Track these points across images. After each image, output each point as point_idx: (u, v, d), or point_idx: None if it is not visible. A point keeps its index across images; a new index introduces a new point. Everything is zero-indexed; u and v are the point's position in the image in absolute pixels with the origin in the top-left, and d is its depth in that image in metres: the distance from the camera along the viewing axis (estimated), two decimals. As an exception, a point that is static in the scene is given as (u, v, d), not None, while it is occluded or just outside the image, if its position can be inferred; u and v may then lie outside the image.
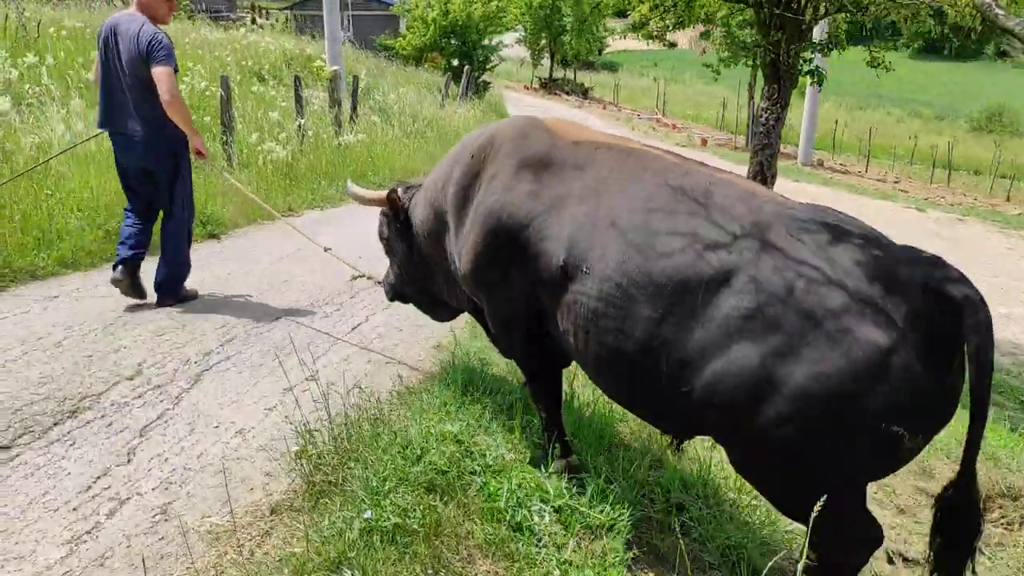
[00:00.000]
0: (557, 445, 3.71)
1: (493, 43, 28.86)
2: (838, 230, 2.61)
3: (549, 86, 47.69)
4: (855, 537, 2.72)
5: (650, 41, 10.86)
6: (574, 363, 3.78)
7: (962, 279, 2.42)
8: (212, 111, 12.96)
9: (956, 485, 2.59)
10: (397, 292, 4.59)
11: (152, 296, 5.97)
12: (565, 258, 3.05)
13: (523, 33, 46.84)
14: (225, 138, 11.08)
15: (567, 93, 46.62)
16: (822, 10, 7.95)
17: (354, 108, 15.91)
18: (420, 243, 4.06)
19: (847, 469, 2.54)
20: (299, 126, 13.18)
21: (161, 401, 4.51)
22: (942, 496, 2.65)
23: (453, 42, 27.44)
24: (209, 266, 7.22)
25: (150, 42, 5.28)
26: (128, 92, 5.45)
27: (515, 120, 3.71)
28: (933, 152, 33.32)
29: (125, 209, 5.96)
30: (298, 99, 13.60)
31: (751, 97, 26.91)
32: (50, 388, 4.51)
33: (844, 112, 49.11)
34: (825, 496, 2.37)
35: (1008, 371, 8.63)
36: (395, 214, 4.15)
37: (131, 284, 5.76)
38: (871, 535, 2.73)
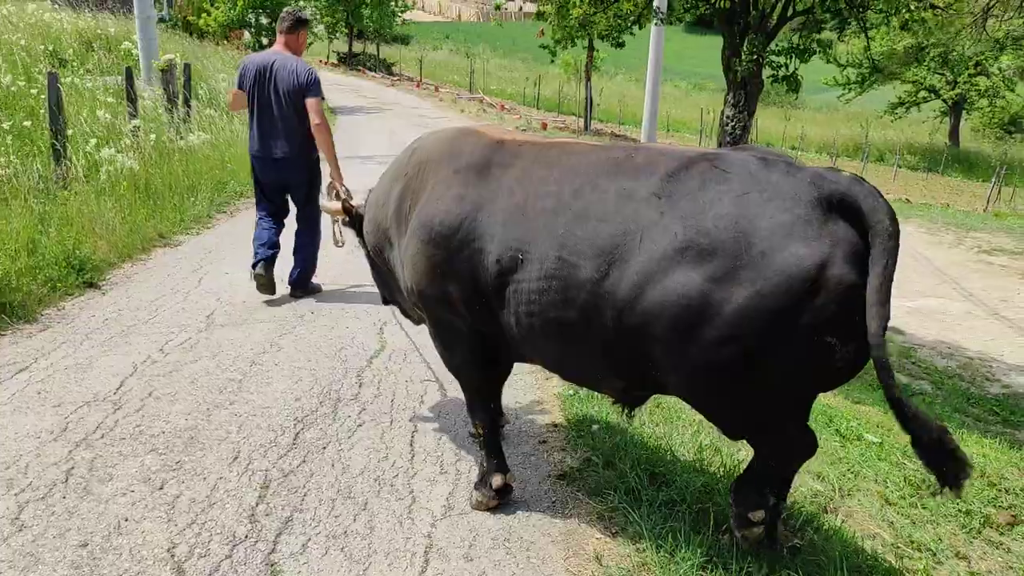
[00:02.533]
0: (495, 460, 3.70)
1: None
2: (760, 161, 2.76)
3: (350, 62, 45.67)
4: (793, 448, 2.99)
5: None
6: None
7: (873, 192, 2.60)
8: (28, 111, 10.78)
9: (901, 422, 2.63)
10: (381, 292, 4.65)
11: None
12: (500, 253, 3.14)
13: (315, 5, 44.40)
14: (57, 149, 9.03)
15: (370, 69, 44.83)
16: (788, 12, 7.41)
17: (188, 102, 13.90)
18: (372, 256, 4.19)
19: (789, 383, 2.75)
20: (134, 128, 11.19)
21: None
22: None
23: (263, 19, 25.14)
24: (113, 346, 5.61)
25: (308, 75, 6.26)
26: (281, 118, 6.32)
27: (444, 131, 3.83)
28: (702, 118, 34.56)
29: (258, 212, 6.83)
30: (131, 96, 11.57)
31: (588, 78, 26.64)
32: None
33: (634, 86, 50.79)
34: (769, 411, 2.83)
35: (958, 375, 8.62)
36: (353, 223, 4.49)
37: (268, 279, 6.55)
38: (807, 445, 2.99)
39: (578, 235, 2.91)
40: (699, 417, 4.34)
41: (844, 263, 2.52)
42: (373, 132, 20.61)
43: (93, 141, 9.89)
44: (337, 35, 46.27)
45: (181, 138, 12.24)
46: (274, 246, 6.66)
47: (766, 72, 7.59)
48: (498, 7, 37.16)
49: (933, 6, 6.47)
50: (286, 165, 6.50)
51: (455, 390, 4.94)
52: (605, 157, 3.09)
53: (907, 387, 8.10)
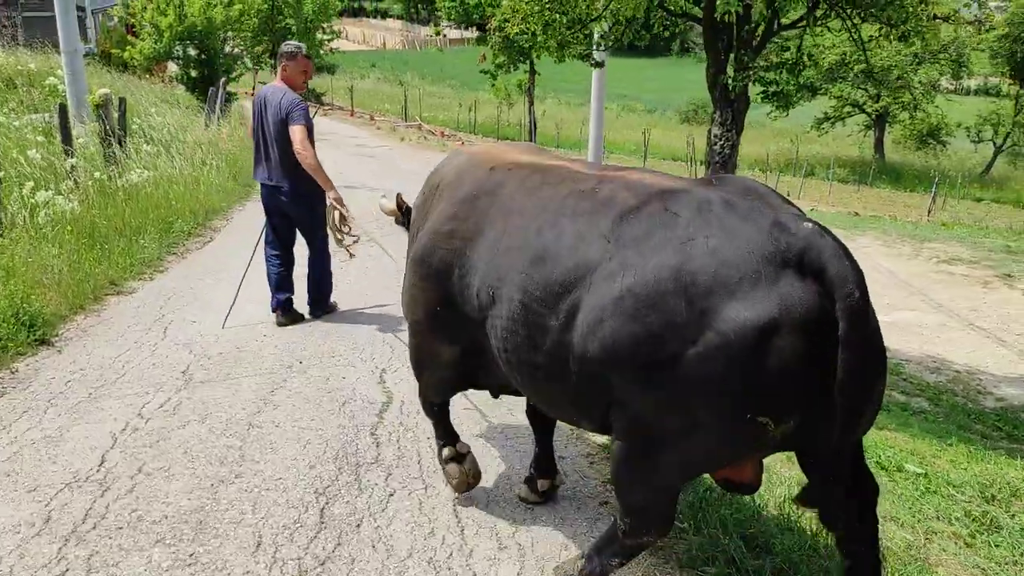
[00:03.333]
0: (446, 435, 3.82)
1: (236, 51, 26.04)
2: (722, 201, 2.49)
3: (277, 93, 44.72)
4: (654, 522, 2.76)
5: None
6: None
7: (838, 252, 2.27)
8: (-46, 154, 10.01)
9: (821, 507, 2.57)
10: None
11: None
12: (480, 287, 3.08)
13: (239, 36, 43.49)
14: (-10, 193, 8.30)
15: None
16: (774, 27, 7.20)
17: (123, 138, 13.12)
18: None
19: (704, 455, 2.54)
20: (71, 167, 10.45)
21: None
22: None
23: (191, 51, 24.27)
24: (83, 413, 4.99)
25: (291, 106, 6.29)
26: (274, 149, 6.42)
27: (457, 156, 3.77)
28: (644, 140, 34.83)
29: (268, 251, 6.96)
30: (66, 133, 10.82)
31: (531, 102, 26.41)
32: None
33: (567, 110, 51.05)
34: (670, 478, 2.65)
35: (951, 390, 8.48)
36: (408, 222, 4.26)
37: (291, 319, 6.89)
38: (667, 525, 2.80)
39: (535, 278, 2.81)
40: (768, 462, 3.97)
41: (793, 333, 2.23)
42: (314, 163, 19.95)
43: (30, 184, 9.16)
44: (263, 66, 45.37)
45: (121, 176, 11.51)
46: (286, 288, 6.92)
47: (757, 89, 7.34)
48: (437, 33, 36.93)
49: (936, 16, 6.33)
50: (284, 195, 6.59)
51: (487, 433, 4.49)
52: (571, 190, 2.93)
53: (906, 406, 7.92)
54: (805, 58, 7.41)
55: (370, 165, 20.53)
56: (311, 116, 6.62)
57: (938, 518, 4.35)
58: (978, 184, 37.53)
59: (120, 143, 12.84)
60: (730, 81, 7.32)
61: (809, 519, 3.65)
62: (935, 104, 40.16)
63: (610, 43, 8.64)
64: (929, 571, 3.42)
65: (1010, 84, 42.87)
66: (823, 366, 2.23)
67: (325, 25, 45.14)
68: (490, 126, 39.94)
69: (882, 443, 5.51)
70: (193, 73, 24.61)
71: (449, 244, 3.26)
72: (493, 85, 25.40)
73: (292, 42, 6.88)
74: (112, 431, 4.59)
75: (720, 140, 7.48)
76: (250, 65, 28.52)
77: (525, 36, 8.93)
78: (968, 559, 3.72)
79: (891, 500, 4.36)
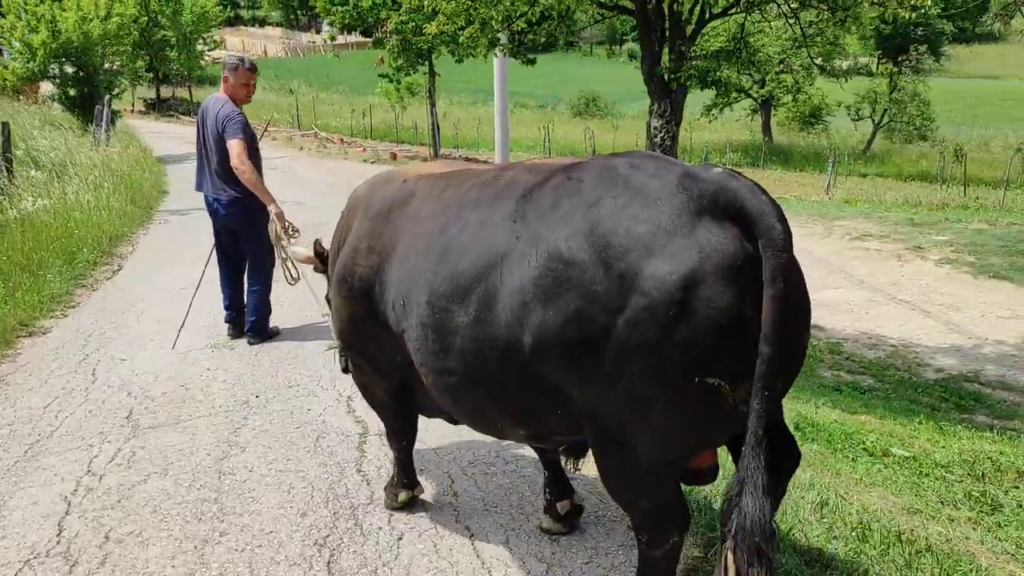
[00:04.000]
0: (406, 479, 3.76)
1: (115, 67, 24.73)
2: (627, 164, 2.38)
3: (160, 108, 43.06)
4: (668, 519, 2.49)
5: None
6: None
7: (753, 189, 2.17)
8: None
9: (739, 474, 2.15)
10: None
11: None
12: (393, 300, 2.98)
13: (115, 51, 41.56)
14: None
15: (183, 114, 42.41)
16: (707, 15, 7.14)
17: (9, 164, 12.22)
18: None
19: (674, 436, 2.29)
20: (-44, 199, 9.66)
21: None
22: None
23: (68, 68, 22.90)
24: (24, 475, 4.49)
25: (227, 118, 6.12)
26: (213, 162, 6.30)
27: (375, 176, 3.68)
28: (545, 136, 35.08)
29: (220, 272, 6.87)
30: (-51, 164, 9.99)
31: (432, 103, 25.98)
32: None
33: (459, 109, 50.78)
34: (650, 470, 2.35)
35: (892, 366, 8.63)
36: (325, 269, 4.04)
37: (237, 335, 6.80)
38: (682, 515, 2.51)
39: (442, 276, 2.66)
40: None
41: (718, 280, 2.09)
42: (213, 179, 19.15)
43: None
44: (141, 81, 43.53)
45: (13, 207, 10.69)
46: (237, 307, 6.85)
47: (696, 79, 7.26)
48: (332, 38, 35.94)
49: (874, 1, 6.34)
50: (225, 209, 6.48)
51: (481, 460, 4.22)
52: (473, 184, 2.84)
53: (856, 384, 8.01)
54: (743, 47, 7.36)
55: (272, 177, 19.54)
56: (253, 130, 6.41)
57: (942, 503, 4.32)
58: (861, 160, 39.05)
59: (7, 171, 11.97)
60: (666, 74, 7.23)
61: (841, 521, 3.53)
62: (815, 86, 41.59)
63: (540, 39, 8.44)
64: (972, 562, 3.33)
65: (881, 63, 44.75)
66: (760, 313, 2.10)
67: (205, 36, 43.61)
68: (384, 130, 39.35)
69: (861, 428, 5.48)
70: (72, 92, 23.19)
71: (367, 261, 3.16)
72: (397, 86, 24.71)
73: (235, 53, 7.25)
74: (63, 493, 4.11)
75: (660, 132, 7.39)
76: (128, 83, 27.12)
77: (443, 35, 8.61)
78: (996, 545, 3.66)
79: (902, 489, 4.30)
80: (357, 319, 3.26)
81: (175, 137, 30.32)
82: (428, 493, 3.97)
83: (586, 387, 2.31)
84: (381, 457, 4.41)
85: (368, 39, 26.51)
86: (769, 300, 2.05)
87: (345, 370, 4.04)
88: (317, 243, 4.22)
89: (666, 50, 7.35)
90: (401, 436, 3.68)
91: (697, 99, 45.88)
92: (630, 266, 2.15)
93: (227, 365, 6.10)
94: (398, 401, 3.46)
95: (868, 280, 11.94)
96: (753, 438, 2.09)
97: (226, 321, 6.91)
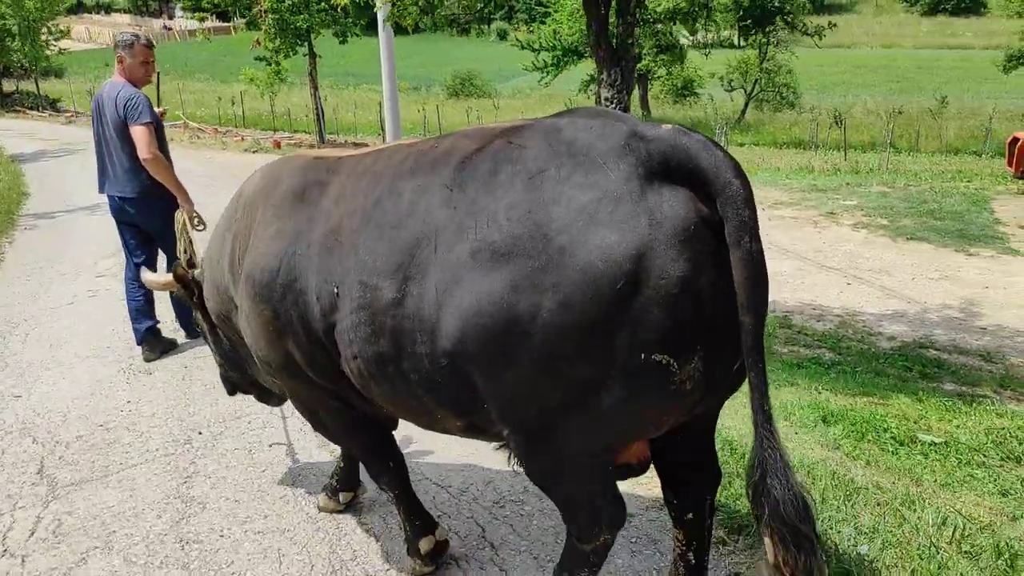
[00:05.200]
0: (418, 521, 3.15)
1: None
2: (571, 124, 2.20)
3: (4, 103, 39.67)
4: (602, 514, 2.35)
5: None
6: None
7: (707, 144, 2.03)
8: None
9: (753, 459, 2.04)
10: (227, 381, 3.88)
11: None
12: (318, 289, 2.61)
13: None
14: None
15: (31, 108, 39.23)
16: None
17: None
18: (219, 326, 3.47)
19: (613, 421, 2.12)
20: None
21: None
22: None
23: None
24: None
25: (127, 103, 5.41)
26: (116, 154, 5.59)
27: (268, 165, 3.30)
28: (424, 118, 34.25)
29: (126, 278, 6.07)
30: None
31: (315, 87, 24.57)
32: None
33: (330, 94, 49.10)
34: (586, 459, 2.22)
35: (846, 337, 8.39)
36: (190, 294, 3.65)
37: (162, 348, 5.98)
38: (617, 512, 2.37)
39: (376, 251, 2.42)
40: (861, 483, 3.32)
41: (670, 249, 1.94)
42: (78, 178, 17.44)
43: None
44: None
45: None
46: (149, 316, 6.02)
47: (650, 43, 6.69)
48: (201, 20, 34.00)
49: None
50: (132, 206, 5.75)
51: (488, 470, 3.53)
52: (407, 154, 2.57)
53: (819, 359, 7.72)
54: (700, 7, 6.82)
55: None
56: (158, 115, 5.60)
57: (1003, 494, 3.93)
58: (736, 130, 39.92)
59: None
60: (615, 40, 6.64)
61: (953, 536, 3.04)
62: (686, 59, 42.19)
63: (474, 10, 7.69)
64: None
65: (751, 35, 45.82)
66: (714, 285, 1.97)
67: (51, 24, 40.36)
68: (255, 118, 37.49)
69: (879, 413, 5.08)
70: None
71: (275, 247, 2.78)
72: (277, 68, 23.03)
73: (128, 31, 6.03)
74: None
75: (611, 104, 6.80)
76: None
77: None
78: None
79: (954, 486, 3.88)
80: (278, 322, 2.80)
81: (25, 134, 27.88)
82: (457, 549, 3.26)
83: (516, 370, 2.11)
84: (382, 497, 3.65)
85: (226, 23, 24.92)
86: (739, 263, 1.90)
87: (232, 392, 3.89)
88: (177, 266, 3.71)
89: (613, 14, 6.76)
90: (381, 460, 3.13)
91: (571, 77, 46.09)
92: (573, 238, 1.98)
93: (151, 395, 5.15)
94: (333, 401, 3.01)
95: (792, 249, 11.79)
96: (761, 415, 1.98)
97: (140, 340, 5.98)
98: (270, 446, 4.29)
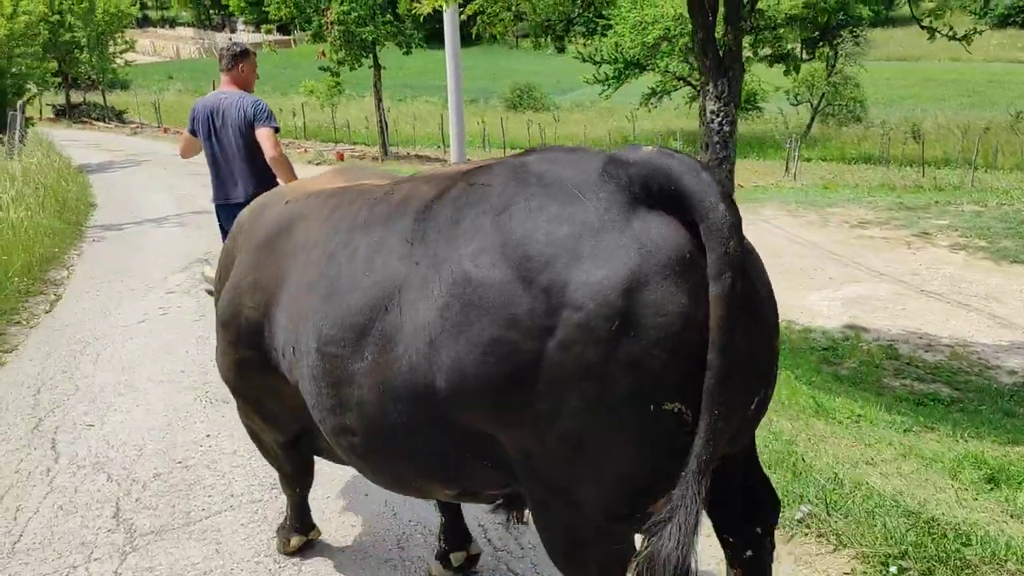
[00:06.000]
0: (298, 521, 3.36)
1: (24, 69, 22.54)
2: (540, 159, 2.02)
3: (71, 114, 40.44)
4: None
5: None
6: None
7: (693, 166, 1.80)
8: None
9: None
10: None
11: None
12: (283, 345, 2.50)
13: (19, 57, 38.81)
14: None
15: (97, 119, 39.93)
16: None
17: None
18: None
19: (622, 481, 1.87)
20: None
21: None
22: None
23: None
24: None
25: (255, 107, 5.49)
26: (238, 161, 5.59)
27: (260, 196, 3.27)
28: (482, 131, 34.07)
29: None
30: None
31: (379, 98, 24.47)
32: None
33: (388, 105, 49.18)
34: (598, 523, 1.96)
35: (962, 370, 7.75)
36: None
37: None
38: None
39: (330, 315, 2.23)
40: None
41: (665, 280, 1.75)
42: (145, 189, 17.49)
43: None
44: (48, 86, 40.79)
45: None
46: None
47: (764, 51, 6.18)
48: (269, 31, 34.42)
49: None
50: None
51: None
52: (364, 203, 2.40)
53: (936, 395, 7.10)
54: (818, 13, 6.19)
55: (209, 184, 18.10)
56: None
57: None
58: (803, 144, 38.97)
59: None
60: (723, 48, 6.14)
61: None
62: (750, 71, 41.34)
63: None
64: None
65: (818, 47, 44.76)
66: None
67: (117, 36, 41.15)
68: (316, 129, 37.67)
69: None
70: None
71: (253, 300, 2.70)
72: (336, 79, 23.00)
73: (235, 40, 6.11)
74: None
75: (718, 116, 6.33)
76: (36, 89, 24.76)
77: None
78: None
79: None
80: (245, 367, 2.80)
81: (92, 145, 28.22)
82: None
83: (517, 431, 1.93)
84: (500, 563, 3.19)
85: (287, 36, 25.04)
86: (716, 300, 1.70)
87: None
88: None
89: (721, 19, 6.27)
90: (295, 483, 3.31)
91: (630, 90, 45.47)
92: (556, 277, 1.80)
93: (231, 428, 4.75)
94: (291, 451, 3.05)
95: (887, 271, 11.13)
96: (695, 463, 1.74)
97: None
98: (366, 495, 3.86)
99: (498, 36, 7.48)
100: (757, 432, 2.31)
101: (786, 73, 7.59)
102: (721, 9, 6.23)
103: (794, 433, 4.41)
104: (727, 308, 1.70)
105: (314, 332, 2.30)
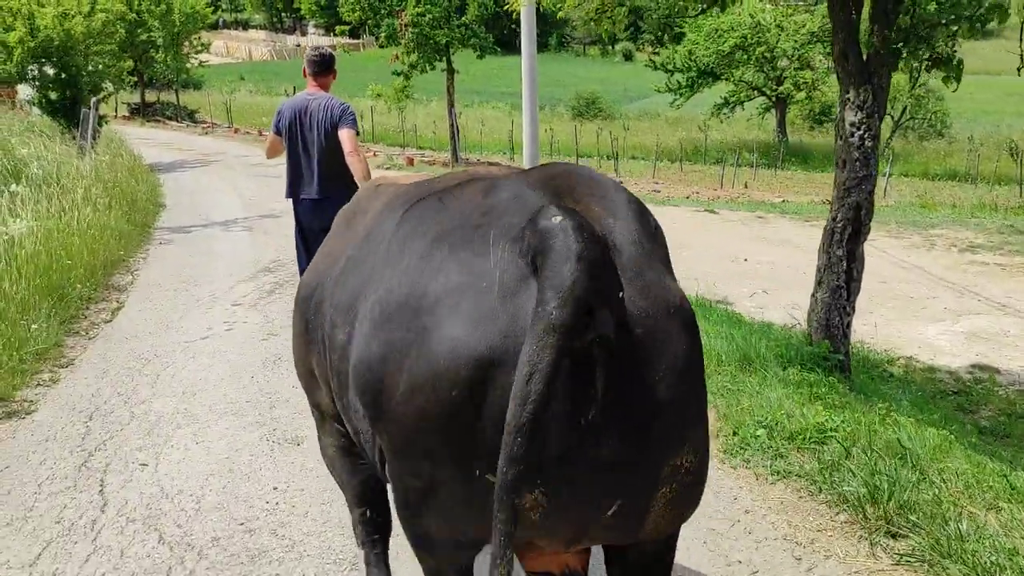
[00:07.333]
0: None
1: (101, 67, 22.52)
2: (511, 185, 1.91)
3: (145, 112, 40.92)
4: None
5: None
6: None
7: (573, 229, 1.60)
8: None
9: None
10: None
11: None
12: (325, 332, 2.35)
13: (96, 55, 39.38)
14: None
15: (170, 119, 40.32)
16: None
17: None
18: None
19: (450, 515, 1.81)
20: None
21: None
22: None
23: (48, 70, 20.75)
24: None
25: (343, 109, 5.85)
26: (320, 159, 5.86)
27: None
28: (549, 139, 33.47)
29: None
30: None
31: (451, 103, 23.97)
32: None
33: (462, 111, 48.78)
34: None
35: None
36: None
37: None
38: None
39: (346, 286, 2.17)
40: None
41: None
42: (214, 191, 17.20)
43: None
44: (124, 84, 41.28)
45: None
46: None
47: (923, 54, 5.35)
48: (343, 32, 34.52)
49: None
50: (328, 206, 5.49)
51: None
52: (398, 193, 2.36)
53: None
54: (984, 10, 5.37)
55: (277, 187, 17.72)
56: None
57: None
58: (882, 159, 37.49)
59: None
60: (869, 49, 5.31)
61: None
62: (825, 83, 39.95)
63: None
64: None
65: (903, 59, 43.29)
66: (569, 416, 1.61)
67: (193, 38, 41.55)
68: (384, 133, 37.45)
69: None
70: (53, 95, 21.04)
71: (320, 266, 2.57)
72: (405, 83, 22.57)
73: (318, 47, 6.61)
74: None
75: (859, 129, 5.49)
76: (112, 87, 24.88)
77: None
78: None
79: None
80: (309, 355, 2.62)
81: (163, 144, 28.34)
82: None
83: (377, 439, 1.95)
84: None
85: (356, 40, 24.72)
86: (518, 384, 1.52)
87: None
88: None
89: (865, 17, 5.45)
90: (361, 504, 2.80)
91: (701, 100, 44.39)
92: (434, 322, 1.70)
93: (303, 481, 4.11)
94: (350, 461, 2.73)
95: (1010, 304, 10.09)
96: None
97: None
98: None
99: (604, 35, 6.75)
100: None
101: (945, 80, 6.73)
102: (867, 7, 5.40)
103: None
104: (521, 399, 1.52)
105: (330, 315, 2.32)
